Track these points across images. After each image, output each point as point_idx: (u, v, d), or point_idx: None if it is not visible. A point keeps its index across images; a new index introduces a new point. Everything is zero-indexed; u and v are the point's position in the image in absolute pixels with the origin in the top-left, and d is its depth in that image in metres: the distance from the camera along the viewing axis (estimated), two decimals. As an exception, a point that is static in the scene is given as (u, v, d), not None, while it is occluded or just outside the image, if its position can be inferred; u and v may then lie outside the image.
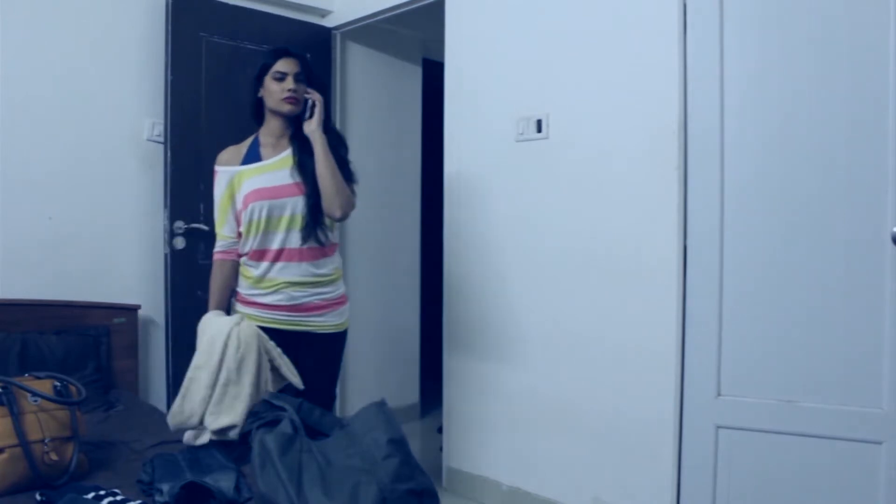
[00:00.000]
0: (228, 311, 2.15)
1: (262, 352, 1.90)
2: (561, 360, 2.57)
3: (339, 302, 2.16)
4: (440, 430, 3.17)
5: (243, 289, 2.12)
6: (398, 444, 1.50)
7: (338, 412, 3.56)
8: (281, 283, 2.05)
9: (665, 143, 2.26)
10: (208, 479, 1.55)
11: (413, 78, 4.04)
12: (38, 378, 1.75)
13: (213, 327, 1.91)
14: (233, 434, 1.79)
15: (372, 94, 3.82)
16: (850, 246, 1.99)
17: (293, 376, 1.98)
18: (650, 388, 2.31)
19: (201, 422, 1.82)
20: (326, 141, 2.04)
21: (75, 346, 2.59)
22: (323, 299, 2.10)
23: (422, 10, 3.19)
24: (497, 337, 2.80)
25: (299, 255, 2.05)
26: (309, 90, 2.07)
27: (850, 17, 1.97)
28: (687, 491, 2.24)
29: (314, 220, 2.04)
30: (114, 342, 2.77)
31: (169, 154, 2.95)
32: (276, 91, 2.06)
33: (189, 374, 1.86)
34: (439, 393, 3.08)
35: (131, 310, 2.88)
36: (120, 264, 2.95)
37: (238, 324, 1.90)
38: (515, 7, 2.71)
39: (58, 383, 1.74)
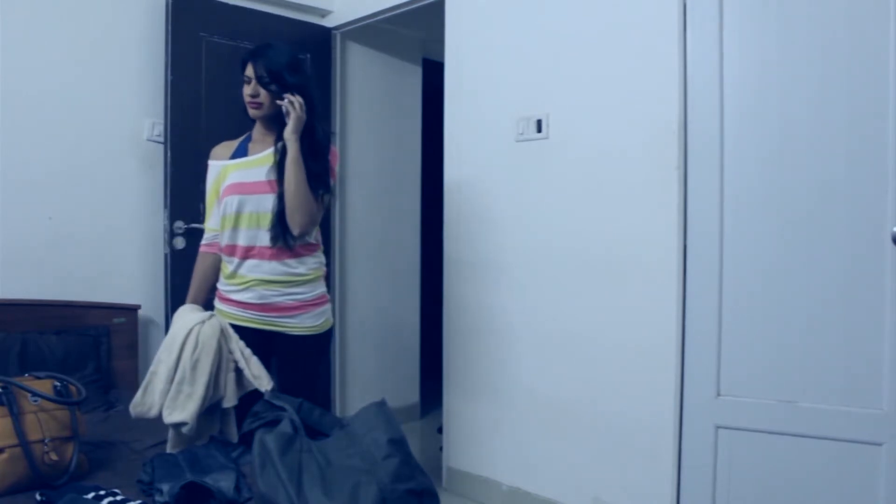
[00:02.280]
0: (211, 306, 2.13)
1: (222, 353, 1.87)
2: (561, 360, 2.57)
3: (316, 303, 2.09)
4: (440, 430, 3.17)
5: (221, 284, 2.13)
6: (398, 444, 1.50)
7: (338, 412, 3.56)
8: (251, 281, 2.03)
9: (665, 143, 2.26)
10: (208, 479, 1.55)
11: (413, 78, 4.04)
12: (38, 378, 1.75)
13: (177, 323, 1.90)
14: (185, 430, 1.79)
15: (372, 94, 3.82)
16: (850, 246, 1.99)
17: (255, 380, 1.91)
18: (650, 388, 2.31)
19: (160, 413, 1.83)
20: (299, 150, 1.98)
21: (75, 346, 2.59)
22: (296, 300, 2.05)
23: (422, 10, 3.19)
24: (497, 337, 2.79)
25: (270, 254, 2.02)
26: (286, 95, 1.98)
27: (850, 17, 1.97)
28: (687, 491, 2.24)
29: (282, 224, 2.00)
30: (114, 342, 2.77)
31: (169, 154, 2.96)
32: (244, 95, 2.05)
33: (152, 367, 1.87)
34: (439, 393, 3.08)
35: (131, 310, 2.88)
36: (120, 264, 2.95)
37: (202, 323, 1.86)
38: (515, 7, 2.71)
39: (58, 383, 1.74)
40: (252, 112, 2.06)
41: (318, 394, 2.22)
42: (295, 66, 2.04)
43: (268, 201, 2.01)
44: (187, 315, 1.93)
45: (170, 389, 1.81)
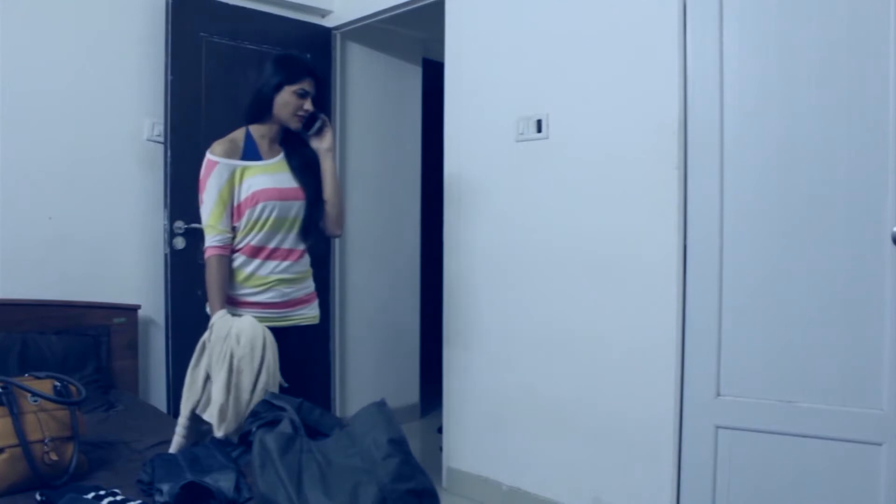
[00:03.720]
0: None
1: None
2: (561, 360, 2.57)
3: (315, 296, 2.26)
4: (440, 430, 3.17)
5: (235, 289, 2.10)
6: (398, 444, 1.50)
7: (338, 412, 3.56)
8: (273, 281, 2.10)
9: (665, 143, 2.26)
10: (208, 479, 1.55)
11: (413, 78, 4.04)
12: (38, 378, 1.75)
13: (248, 329, 1.92)
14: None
15: (372, 94, 3.82)
16: (850, 246, 1.99)
17: (282, 378, 2.02)
18: (650, 388, 2.31)
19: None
20: (335, 162, 2.18)
21: (75, 346, 2.59)
22: (306, 293, 2.21)
23: (422, 10, 3.19)
24: (497, 336, 2.80)
25: (291, 255, 2.14)
26: (320, 112, 2.16)
27: (850, 17, 1.97)
28: (687, 491, 2.24)
29: (315, 226, 2.17)
30: (114, 342, 2.77)
31: (169, 154, 2.96)
32: (293, 106, 2.10)
33: (231, 379, 1.86)
34: (439, 393, 3.08)
35: (131, 310, 2.89)
36: (120, 264, 2.95)
37: (262, 327, 1.97)
38: (515, 7, 2.71)
39: (58, 383, 1.74)
40: (296, 125, 2.13)
41: (319, 386, 2.33)
42: None
43: (302, 207, 2.14)
44: (241, 320, 1.96)
45: (251, 398, 1.86)
